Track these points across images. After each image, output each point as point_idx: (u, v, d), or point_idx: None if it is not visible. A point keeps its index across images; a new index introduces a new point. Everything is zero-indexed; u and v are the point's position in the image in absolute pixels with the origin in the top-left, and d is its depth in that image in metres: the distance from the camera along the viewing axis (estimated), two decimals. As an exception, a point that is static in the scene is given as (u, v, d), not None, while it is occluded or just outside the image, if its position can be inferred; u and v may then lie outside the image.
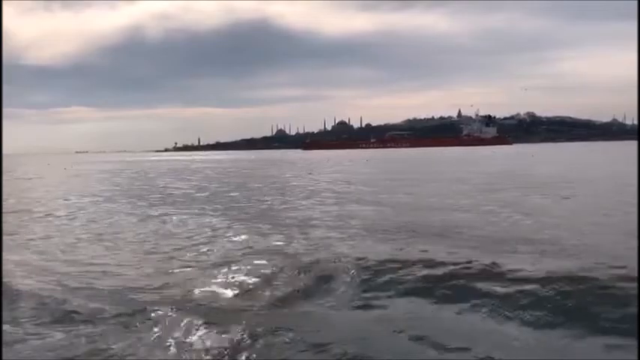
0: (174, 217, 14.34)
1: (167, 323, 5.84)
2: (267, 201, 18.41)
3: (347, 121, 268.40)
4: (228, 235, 11.32)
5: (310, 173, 39.78)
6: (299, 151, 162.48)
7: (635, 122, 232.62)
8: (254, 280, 7.56)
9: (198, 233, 11.70)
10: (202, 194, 22.03)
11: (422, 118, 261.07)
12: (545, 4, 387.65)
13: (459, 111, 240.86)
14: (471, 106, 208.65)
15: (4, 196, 19.57)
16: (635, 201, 13.32)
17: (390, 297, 6.74)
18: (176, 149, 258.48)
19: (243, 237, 10.87)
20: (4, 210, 15.39)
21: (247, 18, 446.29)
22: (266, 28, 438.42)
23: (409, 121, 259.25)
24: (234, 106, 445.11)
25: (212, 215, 14.68)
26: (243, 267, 8.17)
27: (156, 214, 15.38)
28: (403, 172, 40.24)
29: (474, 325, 5.77)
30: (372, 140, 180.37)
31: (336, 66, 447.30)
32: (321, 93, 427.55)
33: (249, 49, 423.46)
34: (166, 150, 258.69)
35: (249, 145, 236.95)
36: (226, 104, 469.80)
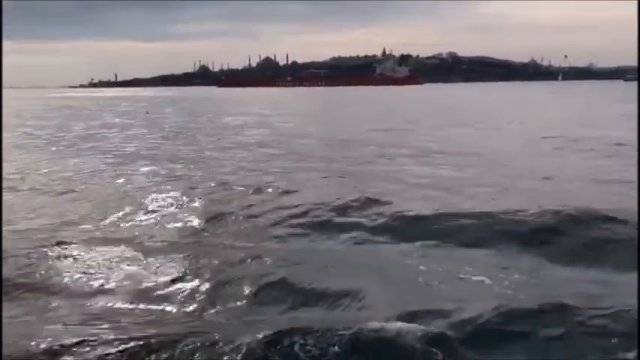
0: None
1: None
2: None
3: (273, 58, 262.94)
4: None
5: (147, 112, 39.53)
6: (214, 88, 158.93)
7: (552, 63, 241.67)
8: None
9: None
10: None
11: (347, 56, 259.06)
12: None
13: (384, 50, 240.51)
14: (394, 46, 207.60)
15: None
16: None
17: None
18: (92, 85, 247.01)
19: None
20: None
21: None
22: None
23: (335, 59, 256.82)
24: (156, 40, 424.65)
25: None
26: None
27: None
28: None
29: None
30: (289, 79, 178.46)
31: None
32: (248, 28, 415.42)
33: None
34: (81, 86, 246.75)
35: (167, 81, 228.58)
36: (148, 38, 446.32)
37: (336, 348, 4.18)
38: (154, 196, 9.50)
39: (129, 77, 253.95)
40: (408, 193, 9.56)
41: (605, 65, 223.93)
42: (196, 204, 8.94)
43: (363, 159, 13.81)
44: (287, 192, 9.60)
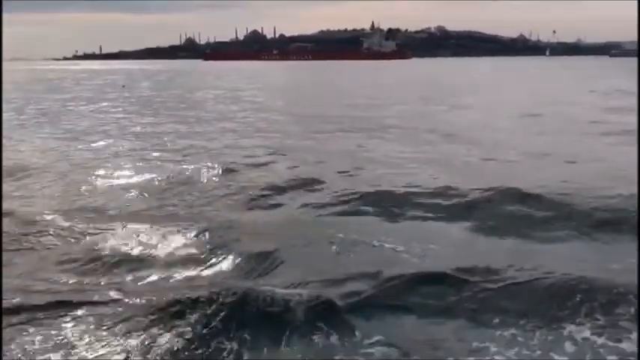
0: None
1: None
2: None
3: (260, 31, 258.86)
4: None
5: (124, 86, 39.23)
6: (200, 61, 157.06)
7: (540, 39, 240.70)
8: None
9: None
10: None
11: (335, 30, 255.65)
12: None
13: (372, 23, 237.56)
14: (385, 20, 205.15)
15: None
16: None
17: None
18: (76, 57, 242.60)
19: None
20: None
21: None
22: None
23: (322, 32, 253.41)
24: (143, 12, 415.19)
25: None
26: None
27: None
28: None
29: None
30: (275, 52, 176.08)
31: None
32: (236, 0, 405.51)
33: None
34: (65, 58, 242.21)
35: (153, 54, 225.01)
36: (135, 10, 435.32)
37: (218, 320, 4.31)
38: (97, 172, 9.55)
39: (114, 50, 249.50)
40: (352, 170, 9.69)
41: (593, 41, 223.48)
42: (136, 180, 9.01)
43: (320, 134, 13.89)
44: (230, 170, 9.64)
